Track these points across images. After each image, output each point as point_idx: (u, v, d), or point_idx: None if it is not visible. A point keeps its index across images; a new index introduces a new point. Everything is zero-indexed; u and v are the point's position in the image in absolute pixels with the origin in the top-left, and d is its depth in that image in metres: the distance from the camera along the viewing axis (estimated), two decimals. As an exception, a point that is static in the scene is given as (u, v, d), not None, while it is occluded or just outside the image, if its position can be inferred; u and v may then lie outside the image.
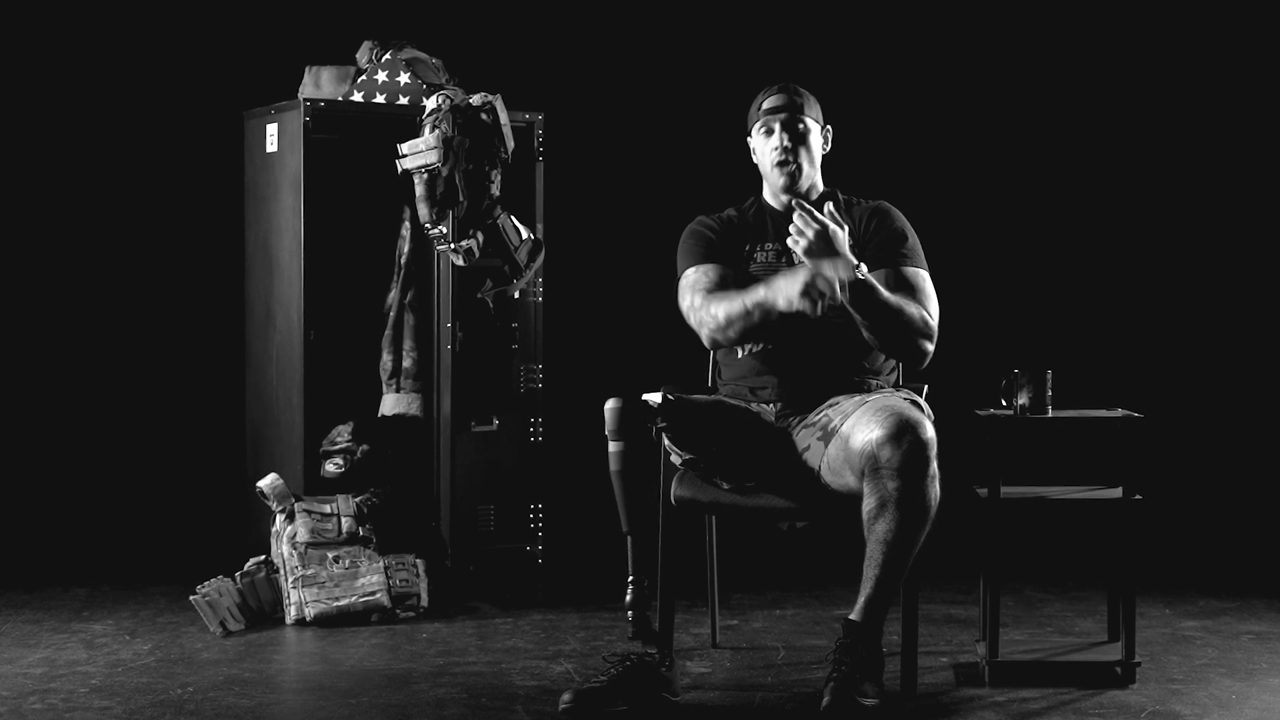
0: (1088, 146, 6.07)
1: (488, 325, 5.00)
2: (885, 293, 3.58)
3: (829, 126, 3.88)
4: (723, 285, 3.72)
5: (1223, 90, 6.00)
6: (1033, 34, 6.05)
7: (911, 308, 3.64)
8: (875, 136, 5.93)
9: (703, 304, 3.69)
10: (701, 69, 5.92)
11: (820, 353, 3.73)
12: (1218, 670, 3.92)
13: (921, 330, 3.64)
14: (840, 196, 3.88)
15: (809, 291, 3.46)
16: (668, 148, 5.89)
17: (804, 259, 3.50)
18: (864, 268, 3.55)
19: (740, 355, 3.79)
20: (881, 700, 3.37)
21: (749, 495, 3.67)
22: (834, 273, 3.46)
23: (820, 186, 3.88)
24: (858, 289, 3.53)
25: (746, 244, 3.82)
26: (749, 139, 3.88)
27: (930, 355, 3.68)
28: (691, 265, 3.78)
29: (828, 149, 3.88)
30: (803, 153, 3.80)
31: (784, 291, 3.50)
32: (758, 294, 3.57)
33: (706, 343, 3.74)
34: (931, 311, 3.70)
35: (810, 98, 3.85)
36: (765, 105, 3.82)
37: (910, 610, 3.60)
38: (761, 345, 3.75)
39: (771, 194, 3.88)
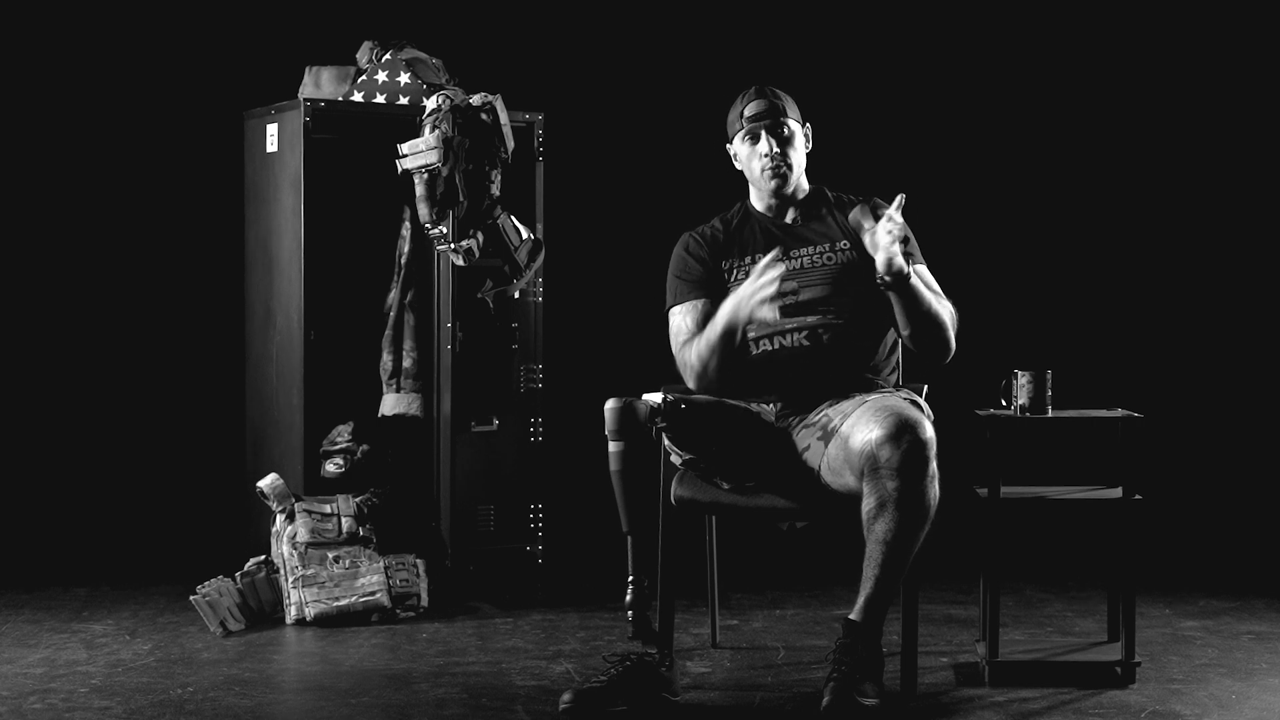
0: (1087, 147, 6.06)
1: (488, 325, 5.00)
2: (927, 294, 3.61)
3: (808, 124, 3.88)
4: (705, 325, 3.72)
5: (1223, 90, 6.00)
6: (1032, 33, 6.04)
7: (944, 306, 3.67)
8: (875, 137, 5.93)
9: (682, 353, 3.72)
10: (701, 69, 5.91)
11: (820, 353, 3.73)
12: (1218, 670, 3.92)
13: (951, 326, 3.67)
14: (829, 194, 3.89)
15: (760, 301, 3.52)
16: (668, 148, 5.88)
17: (879, 242, 3.52)
18: (914, 271, 3.57)
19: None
20: (881, 700, 3.38)
21: (749, 495, 3.67)
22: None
23: (806, 186, 3.88)
24: (907, 292, 3.55)
25: (734, 258, 3.82)
26: (729, 146, 3.88)
27: (952, 355, 3.70)
28: (676, 304, 3.79)
29: (809, 147, 3.88)
30: (790, 155, 3.81)
31: (731, 309, 3.57)
32: (719, 320, 3.61)
33: (695, 390, 3.72)
34: (946, 300, 3.71)
35: (788, 99, 3.85)
36: (747, 113, 3.82)
37: (910, 610, 3.60)
38: (762, 347, 3.75)
39: (759, 198, 3.88)
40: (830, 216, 3.83)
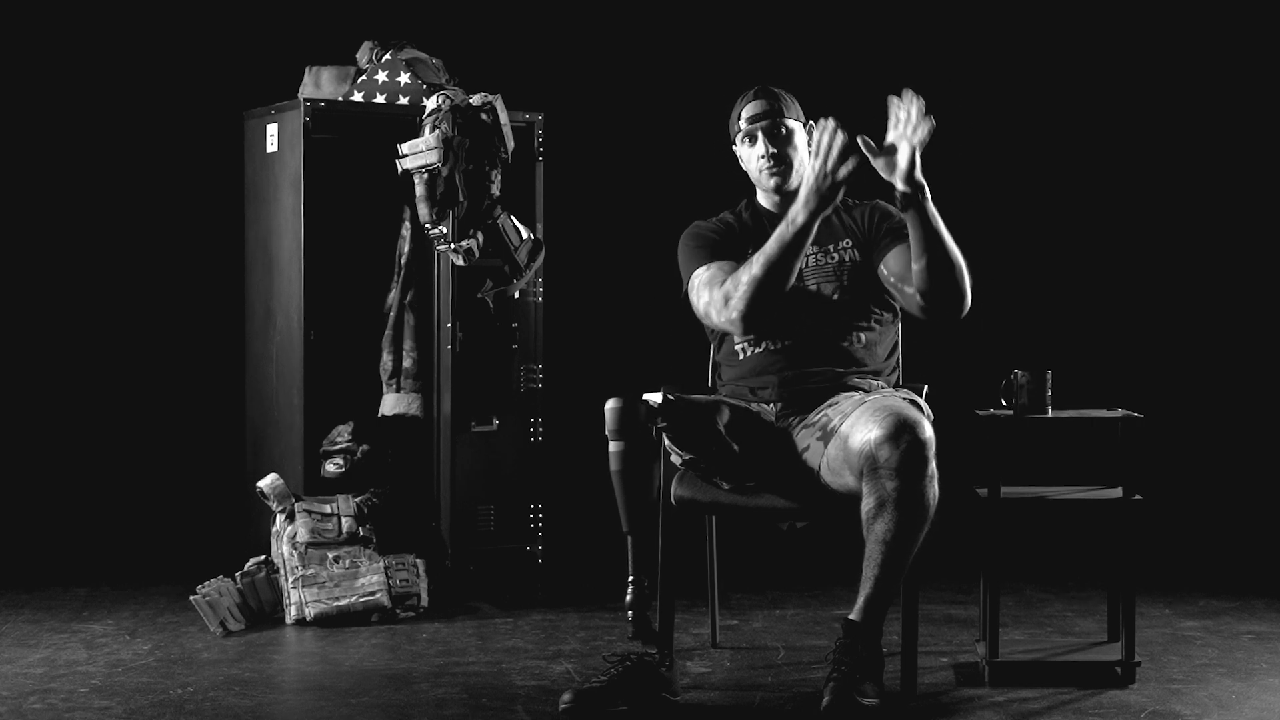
0: (1088, 147, 6.07)
1: (488, 325, 5.00)
2: (943, 225, 3.52)
3: (811, 123, 3.87)
4: None
5: (1223, 90, 6.00)
6: (1032, 33, 6.05)
7: (958, 251, 3.55)
8: (875, 137, 5.92)
9: (722, 289, 3.63)
10: (701, 69, 5.92)
11: (820, 352, 3.73)
12: (1218, 670, 3.92)
13: (965, 271, 3.55)
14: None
15: (826, 168, 3.47)
16: (668, 148, 5.89)
17: (899, 147, 3.50)
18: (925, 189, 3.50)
19: (741, 356, 3.79)
20: (881, 700, 3.38)
21: (749, 495, 3.67)
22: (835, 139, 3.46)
23: None
24: (926, 210, 3.48)
25: (749, 247, 3.81)
26: (734, 148, 3.88)
27: (968, 307, 3.59)
28: (700, 265, 3.73)
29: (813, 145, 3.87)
30: (789, 155, 3.79)
31: (812, 192, 3.50)
32: (778, 231, 3.56)
33: (739, 324, 3.63)
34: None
35: (788, 98, 3.83)
36: (745, 115, 3.80)
37: (910, 610, 3.60)
38: (763, 346, 3.75)
39: (764, 197, 3.88)
40: (835, 217, 3.83)
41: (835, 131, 3.50)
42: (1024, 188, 6.07)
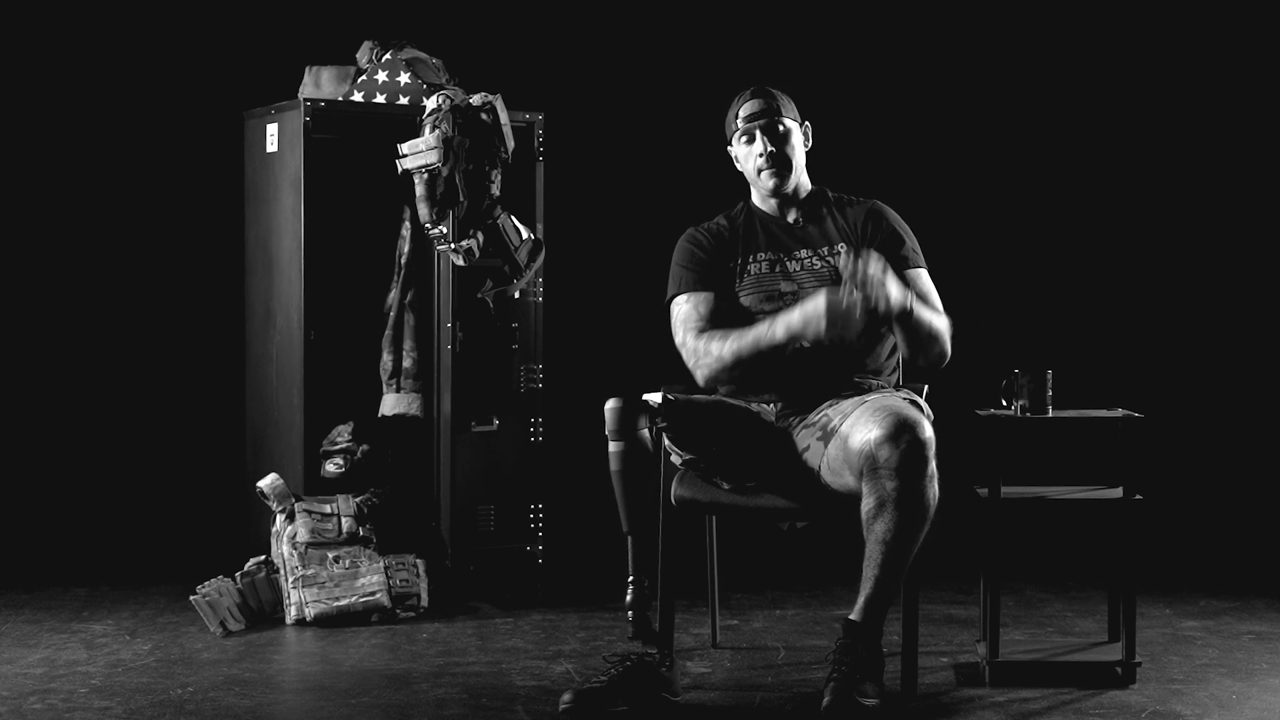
0: (1088, 146, 6.07)
1: (488, 325, 5.00)
2: (927, 315, 3.61)
3: (807, 123, 3.87)
4: (714, 318, 3.72)
5: (1223, 90, 6.00)
6: (1032, 32, 6.05)
7: (939, 320, 3.66)
8: (873, 135, 5.93)
9: (697, 342, 3.69)
10: (701, 69, 5.91)
11: (821, 353, 3.73)
12: (1218, 670, 3.92)
13: (947, 337, 3.67)
14: (831, 194, 3.88)
15: (835, 321, 3.46)
16: (668, 148, 5.89)
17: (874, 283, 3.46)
18: (913, 297, 3.55)
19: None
20: (882, 700, 3.38)
21: (749, 495, 3.67)
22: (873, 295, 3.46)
23: (808, 185, 3.87)
24: (910, 322, 3.56)
25: (739, 256, 3.81)
26: (729, 148, 3.88)
27: (949, 358, 3.70)
28: (682, 293, 3.76)
29: (809, 145, 3.87)
30: (787, 154, 3.80)
31: (801, 323, 3.52)
32: (758, 330, 3.61)
33: (701, 382, 3.72)
34: (942, 312, 3.70)
35: (785, 98, 3.84)
36: (743, 114, 3.81)
37: (910, 610, 3.60)
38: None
39: (760, 199, 3.88)
40: (830, 218, 3.83)
41: (866, 297, 3.44)
42: (1025, 188, 6.06)
